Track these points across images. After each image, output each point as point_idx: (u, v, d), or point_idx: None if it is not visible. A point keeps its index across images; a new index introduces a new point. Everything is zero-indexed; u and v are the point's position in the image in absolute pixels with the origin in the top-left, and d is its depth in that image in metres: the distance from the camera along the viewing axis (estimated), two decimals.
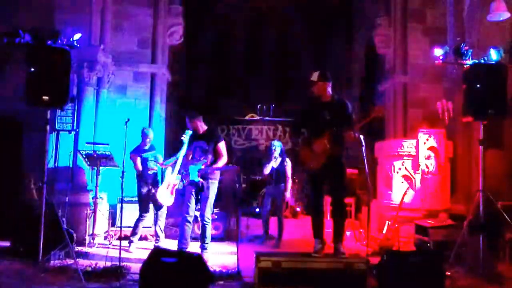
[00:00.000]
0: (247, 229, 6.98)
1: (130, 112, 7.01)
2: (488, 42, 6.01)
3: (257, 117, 11.53)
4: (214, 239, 6.50)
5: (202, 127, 5.26)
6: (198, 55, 14.33)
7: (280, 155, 6.41)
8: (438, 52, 5.23)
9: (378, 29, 8.06)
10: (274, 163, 6.37)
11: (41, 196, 4.68)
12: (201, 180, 5.05)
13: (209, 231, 5.16)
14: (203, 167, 5.04)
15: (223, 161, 5.12)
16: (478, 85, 4.80)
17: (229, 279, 4.30)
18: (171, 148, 9.02)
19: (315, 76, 4.36)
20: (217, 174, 5.22)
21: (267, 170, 6.37)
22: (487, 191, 4.83)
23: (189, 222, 5.12)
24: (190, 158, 5.21)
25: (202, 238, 5.17)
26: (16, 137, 6.76)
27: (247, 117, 11.53)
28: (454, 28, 6.97)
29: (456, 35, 6.75)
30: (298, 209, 8.53)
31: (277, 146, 6.41)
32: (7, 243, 5.24)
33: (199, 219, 6.04)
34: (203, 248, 5.12)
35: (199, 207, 5.29)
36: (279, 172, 6.36)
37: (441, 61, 5.22)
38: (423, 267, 3.91)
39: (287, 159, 6.46)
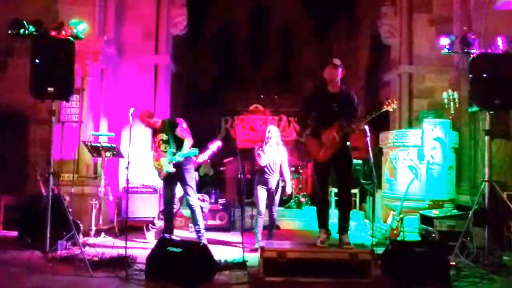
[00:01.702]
0: (252, 219, 7.01)
1: (135, 103, 6.99)
2: (495, 31, 5.94)
3: (261, 108, 11.51)
4: (219, 229, 6.56)
5: (156, 121, 5.36)
6: (202, 46, 14.28)
7: (276, 142, 5.44)
8: (444, 41, 5.19)
9: (383, 18, 7.97)
10: (270, 152, 5.39)
11: (47, 187, 4.72)
12: (174, 169, 5.12)
13: (200, 215, 5.30)
14: (174, 156, 5.10)
15: (188, 142, 5.18)
16: (484, 75, 4.75)
17: (234, 269, 4.32)
18: None
19: (337, 60, 4.33)
20: (190, 160, 5.28)
21: (263, 161, 5.31)
22: (493, 182, 4.81)
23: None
24: (159, 152, 5.29)
25: (194, 223, 5.32)
26: (22, 129, 6.79)
27: (251, 108, 11.51)
28: (461, 17, 6.90)
29: (462, 24, 6.69)
30: (302, 199, 8.52)
31: (273, 132, 5.44)
32: (14, 233, 5.29)
33: (204, 209, 6.14)
34: (199, 233, 5.23)
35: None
36: (275, 162, 5.41)
37: (447, 51, 5.18)
38: (428, 257, 3.93)
39: (283, 147, 5.55)
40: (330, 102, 4.25)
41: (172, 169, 5.11)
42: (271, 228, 5.57)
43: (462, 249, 4.80)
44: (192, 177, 5.26)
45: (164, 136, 5.23)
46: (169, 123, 5.30)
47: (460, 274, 4.25)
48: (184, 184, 5.19)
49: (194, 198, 5.24)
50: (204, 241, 5.08)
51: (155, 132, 5.38)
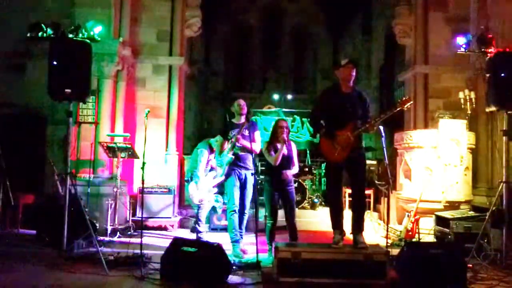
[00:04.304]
0: (265, 220, 7.01)
1: (149, 104, 7.09)
2: None
3: (274, 108, 11.50)
4: None
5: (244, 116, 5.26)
6: (215, 47, 14.35)
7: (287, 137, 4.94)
8: (460, 40, 5.13)
9: (398, 18, 7.91)
10: (284, 149, 4.86)
11: (64, 187, 4.80)
12: (232, 156, 5.04)
13: (245, 221, 5.23)
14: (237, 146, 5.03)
15: (257, 147, 5.09)
16: (502, 74, 4.68)
17: (248, 269, 4.34)
18: (189, 140, 9.12)
19: (350, 60, 4.29)
20: (251, 164, 5.15)
21: (277, 159, 4.81)
22: (511, 183, 4.73)
23: (236, 213, 5.11)
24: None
25: (239, 227, 5.19)
26: (40, 129, 6.93)
27: (264, 109, 11.52)
28: (478, 16, 6.79)
29: (479, 23, 6.58)
30: (316, 200, 8.50)
31: (288, 125, 5.03)
32: (33, 232, 5.40)
33: (218, 210, 6.13)
34: (239, 237, 5.19)
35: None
36: (289, 158, 4.93)
37: (464, 50, 5.11)
38: (444, 259, 3.88)
39: (292, 142, 5.14)
40: (344, 103, 4.23)
41: (231, 156, 5.05)
42: (294, 236, 4.90)
43: (479, 251, 4.73)
44: (252, 181, 5.15)
45: (246, 132, 5.08)
46: (253, 123, 5.27)
47: (477, 277, 4.19)
48: (246, 187, 5.11)
49: (248, 204, 5.19)
50: (240, 245, 5.09)
51: (231, 127, 5.22)
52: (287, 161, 4.91)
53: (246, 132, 5.07)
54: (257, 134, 5.17)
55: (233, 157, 5.09)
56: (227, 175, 5.18)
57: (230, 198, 5.12)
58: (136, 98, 7.37)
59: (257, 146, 5.11)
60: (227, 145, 5.12)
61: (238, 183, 5.10)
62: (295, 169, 5.04)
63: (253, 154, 5.01)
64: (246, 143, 5.04)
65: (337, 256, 4.01)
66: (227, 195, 5.22)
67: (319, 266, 3.92)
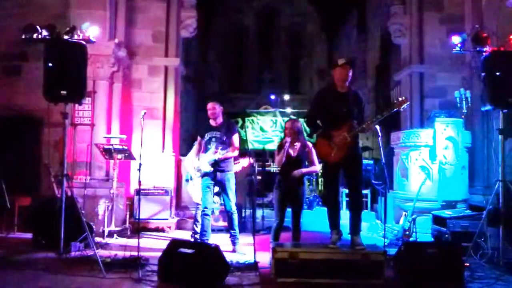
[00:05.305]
0: (262, 220, 7.00)
1: (145, 106, 7.07)
2: (507, 28, 5.87)
3: (271, 109, 11.52)
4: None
5: (220, 118, 5.24)
6: (211, 48, 14.34)
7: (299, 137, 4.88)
8: (456, 39, 5.14)
9: (393, 17, 7.92)
10: (291, 149, 4.79)
11: (61, 189, 4.78)
12: (211, 168, 5.07)
13: (236, 220, 5.26)
14: (214, 156, 5.06)
15: (234, 152, 5.14)
16: (497, 73, 4.69)
17: (246, 270, 4.33)
18: (185, 142, 9.11)
19: (349, 60, 4.31)
20: (232, 164, 5.23)
21: (279, 161, 4.81)
22: (507, 181, 4.75)
23: (208, 215, 5.20)
24: (202, 150, 5.21)
25: (230, 228, 5.28)
26: (36, 131, 6.89)
27: (261, 109, 11.54)
28: (472, 15, 6.83)
29: (474, 22, 6.60)
30: (313, 200, 8.49)
31: (294, 126, 4.88)
32: (29, 235, 5.37)
33: (215, 211, 6.13)
34: (235, 238, 5.23)
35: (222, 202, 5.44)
36: (298, 159, 4.82)
37: (459, 49, 5.13)
38: (441, 258, 3.89)
39: (309, 143, 4.98)
40: (339, 103, 4.23)
41: (210, 169, 5.06)
42: (296, 237, 4.85)
43: (476, 250, 4.74)
44: (233, 182, 5.20)
45: (222, 136, 5.08)
46: (231, 125, 5.23)
47: (475, 275, 4.20)
48: (225, 189, 5.14)
49: (234, 203, 5.21)
50: (239, 246, 5.15)
51: (206, 129, 5.23)
52: (295, 162, 4.80)
53: (224, 137, 5.09)
54: (235, 137, 5.14)
55: (212, 169, 5.08)
56: (202, 178, 5.22)
57: (202, 201, 5.21)
58: (132, 99, 7.35)
59: (234, 151, 5.11)
60: (212, 155, 5.07)
61: (211, 186, 5.15)
62: (314, 168, 4.97)
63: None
64: (228, 154, 5.08)
65: (335, 256, 4.01)
66: (201, 198, 5.26)
67: (317, 266, 3.93)
